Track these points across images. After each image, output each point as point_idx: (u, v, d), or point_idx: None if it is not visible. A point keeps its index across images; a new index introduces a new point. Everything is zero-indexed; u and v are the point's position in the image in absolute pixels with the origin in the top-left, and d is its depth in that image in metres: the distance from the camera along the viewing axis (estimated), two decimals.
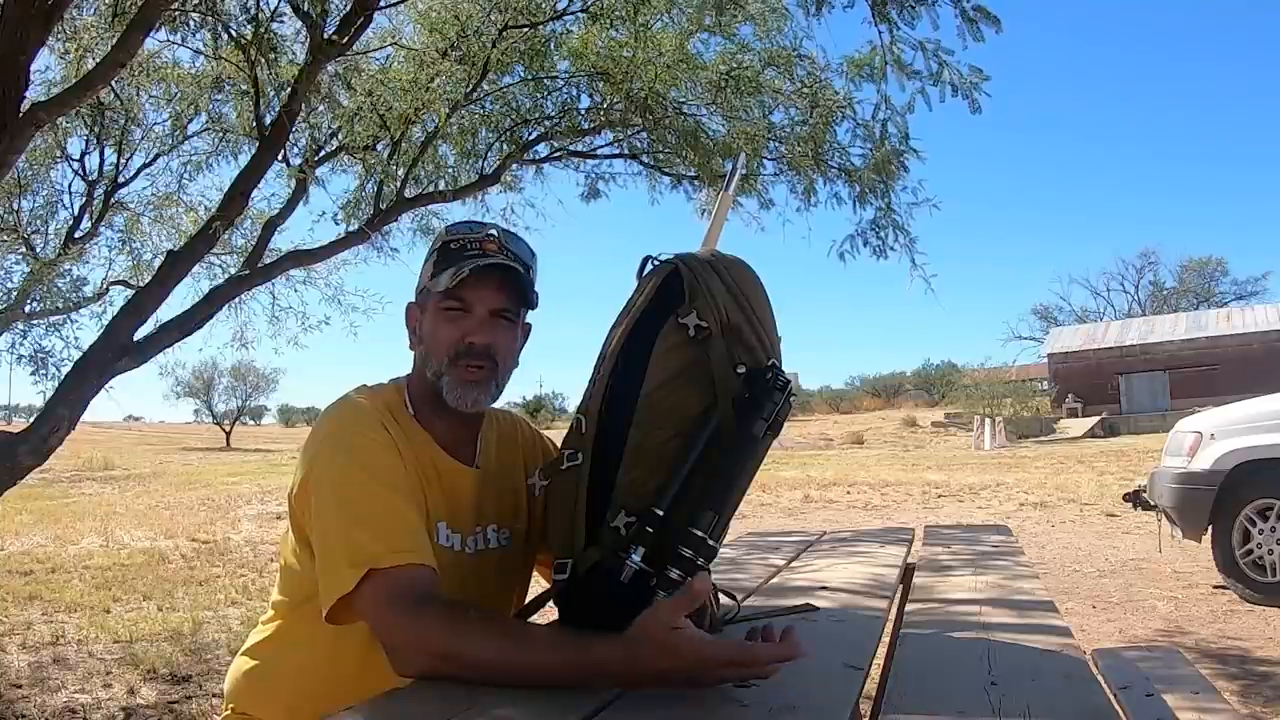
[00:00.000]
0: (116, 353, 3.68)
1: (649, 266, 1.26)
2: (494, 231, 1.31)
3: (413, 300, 1.37)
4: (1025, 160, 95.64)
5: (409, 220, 5.60)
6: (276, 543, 7.66)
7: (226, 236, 4.81)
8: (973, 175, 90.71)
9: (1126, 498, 6.06)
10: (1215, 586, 5.63)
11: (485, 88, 4.79)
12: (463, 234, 1.31)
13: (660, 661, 0.96)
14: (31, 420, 3.65)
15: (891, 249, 4.98)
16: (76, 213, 5.71)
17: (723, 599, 1.35)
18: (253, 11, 4.17)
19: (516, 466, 1.43)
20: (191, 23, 4.17)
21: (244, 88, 4.59)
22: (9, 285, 5.38)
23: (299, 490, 1.23)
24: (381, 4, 4.07)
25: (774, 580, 1.80)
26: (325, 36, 3.83)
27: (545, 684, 1.00)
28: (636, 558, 1.12)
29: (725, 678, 0.99)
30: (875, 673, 1.57)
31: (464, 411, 1.30)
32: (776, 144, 5.03)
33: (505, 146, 5.18)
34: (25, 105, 2.89)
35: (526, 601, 1.33)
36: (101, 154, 5.64)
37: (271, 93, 4.44)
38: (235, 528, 10.06)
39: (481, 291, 1.27)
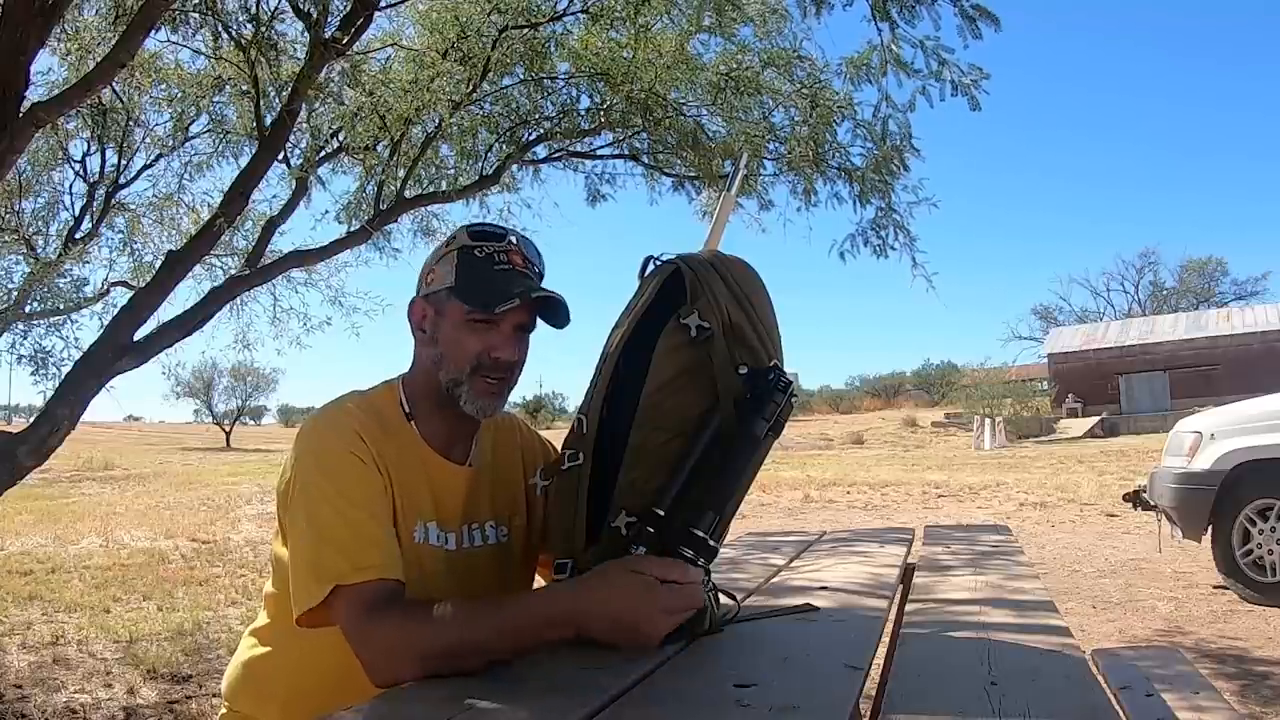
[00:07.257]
0: (116, 353, 3.68)
1: (651, 266, 1.26)
2: (514, 239, 1.31)
3: (418, 296, 1.34)
4: (1025, 159, 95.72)
5: (409, 220, 5.62)
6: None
7: (227, 237, 4.82)
8: (972, 174, 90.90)
9: (1126, 498, 6.05)
10: (1215, 586, 5.63)
11: (485, 88, 4.79)
12: (487, 243, 1.29)
13: (609, 601, 1.06)
14: (31, 420, 3.64)
15: (892, 248, 5.00)
16: (77, 213, 5.71)
17: (723, 599, 1.34)
18: (253, 11, 4.17)
19: (514, 464, 1.44)
20: (192, 23, 4.17)
21: (244, 88, 4.58)
22: (9, 285, 5.38)
23: (283, 491, 1.26)
24: (381, 4, 4.07)
25: (774, 580, 1.80)
26: (326, 37, 3.83)
27: (508, 654, 1.05)
28: None
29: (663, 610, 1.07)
30: (875, 673, 1.57)
31: (476, 417, 1.32)
32: (777, 144, 5.03)
33: (505, 147, 5.18)
34: (25, 105, 2.89)
35: None
36: (103, 155, 5.65)
37: (272, 93, 4.44)
38: (235, 528, 10.06)
39: (512, 309, 1.27)
